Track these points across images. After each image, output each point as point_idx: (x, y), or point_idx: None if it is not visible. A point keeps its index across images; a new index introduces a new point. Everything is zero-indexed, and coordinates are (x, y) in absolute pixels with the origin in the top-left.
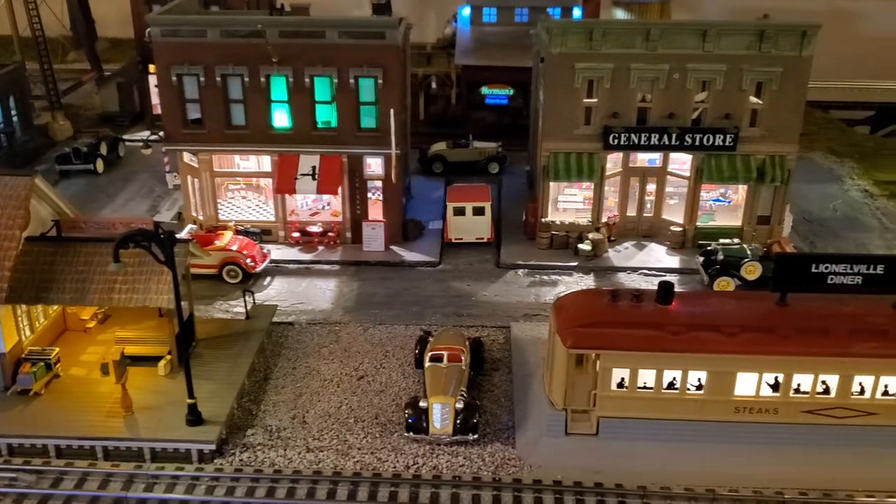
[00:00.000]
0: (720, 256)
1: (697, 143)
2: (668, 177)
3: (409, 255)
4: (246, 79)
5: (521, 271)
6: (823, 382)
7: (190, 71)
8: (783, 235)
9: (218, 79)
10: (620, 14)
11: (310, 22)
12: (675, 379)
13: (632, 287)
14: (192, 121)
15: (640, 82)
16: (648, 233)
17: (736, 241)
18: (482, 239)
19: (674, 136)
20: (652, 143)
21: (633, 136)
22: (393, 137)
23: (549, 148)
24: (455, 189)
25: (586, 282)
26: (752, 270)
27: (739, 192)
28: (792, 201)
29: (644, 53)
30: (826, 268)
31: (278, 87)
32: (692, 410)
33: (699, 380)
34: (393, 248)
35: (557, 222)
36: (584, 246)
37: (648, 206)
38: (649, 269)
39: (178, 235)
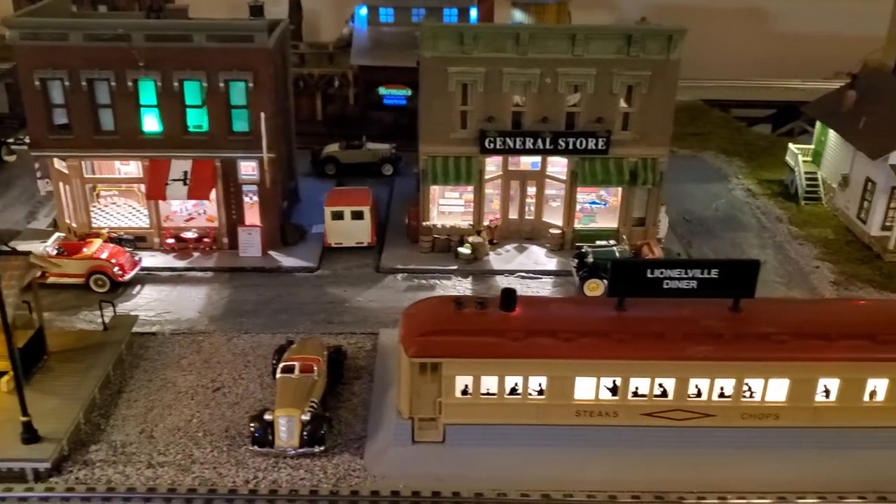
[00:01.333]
0: (590, 259)
1: (571, 146)
2: (547, 180)
3: (287, 261)
4: (113, 83)
5: (399, 276)
6: (661, 385)
7: (54, 75)
8: (659, 236)
9: (84, 83)
10: (518, 14)
11: (176, 25)
12: (516, 384)
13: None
14: (60, 126)
15: (512, 86)
16: (530, 235)
17: (612, 242)
18: (362, 243)
19: (547, 140)
20: (527, 147)
21: (508, 139)
22: (264, 141)
23: (426, 152)
24: (334, 193)
25: (465, 285)
26: None
27: (617, 195)
28: (677, 201)
29: (515, 58)
30: (661, 273)
31: (147, 92)
32: (534, 415)
33: (540, 385)
34: (271, 253)
35: (439, 225)
36: (464, 249)
37: (530, 209)
38: (527, 271)
39: (24, 247)
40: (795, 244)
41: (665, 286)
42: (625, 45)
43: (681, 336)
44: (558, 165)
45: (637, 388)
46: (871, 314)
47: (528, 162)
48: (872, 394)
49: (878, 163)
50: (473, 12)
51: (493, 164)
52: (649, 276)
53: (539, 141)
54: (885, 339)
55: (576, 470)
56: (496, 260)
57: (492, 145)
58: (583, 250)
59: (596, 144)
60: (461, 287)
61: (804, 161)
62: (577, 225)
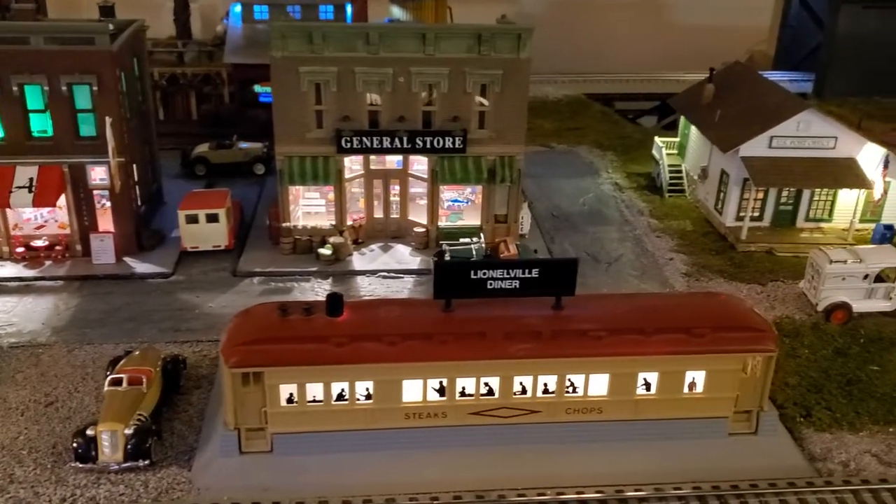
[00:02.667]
0: (447, 257)
1: (429, 145)
2: (411, 178)
3: (142, 267)
4: None
5: (256, 279)
6: (486, 384)
7: None
8: (522, 232)
9: None
10: (396, 11)
11: (11, 27)
12: (343, 390)
13: (371, 295)
14: None
15: (366, 86)
16: (397, 234)
17: (475, 240)
18: (219, 246)
19: (404, 139)
20: (384, 146)
21: (364, 139)
22: (110, 146)
23: (283, 152)
24: (190, 195)
25: (324, 287)
26: None
27: (480, 192)
28: (547, 196)
29: (367, 57)
30: (484, 274)
31: None
32: (364, 420)
33: (367, 389)
34: (126, 259)
35: (299, 226)
36: (325, 250)
37: (395, 207)
38: (389, 271)
39: None
40: (654, 236)
41: (489, 287)
42: (475, 44)
43: (502, 335)
44: (421, 163)
45: (464, 388)
46: (686, 308)
47: (393, 160)
48: (692, 385)
49: (731, 155)
50: (350, 9)
51: (357, 163)
52: (473, 277)
53: (396, 140)
54: (699, 332)
55: (407, 472)
56: (359, 260)
57: (348, 145)
58: (441, 249)
59: (453, 143)
60: (321, 289)
61: (669, 154)
62: (443, 223)
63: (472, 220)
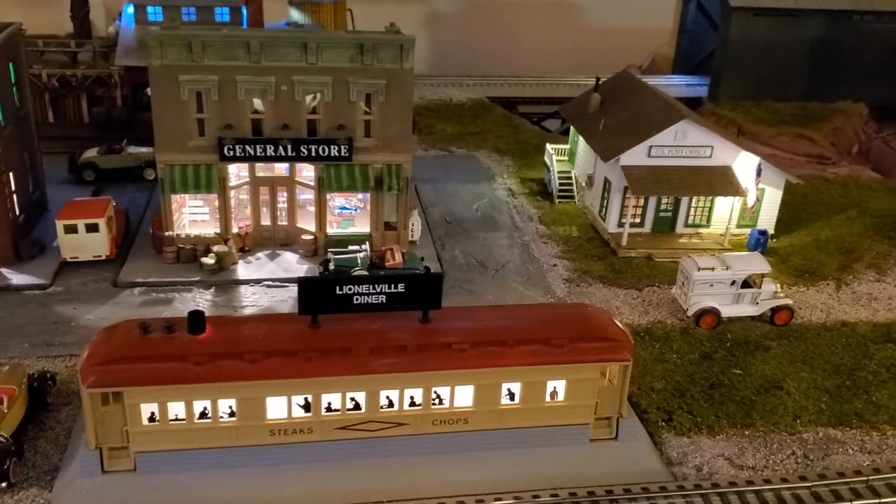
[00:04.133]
0: (332, 267)
1: (314, 153)
2: (298, 185)
3: (18, 278)
4: None
5: (137, 290)
6: (353, 399)
7: None
8: (413, 239)
9: None
10: (295, 14)
11: None
12: (206, 408)
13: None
14: None
15: (248, 94)
16: (285, 241)
17: (364, 247)
18: (100, 256)
19: (288, 147)
20: (268, 154)
21: (247, 147)
22: None
23: (164, 160)
24: (70, 205)
25: (207, 297)
26: None
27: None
28: (443, 201)
29: (248, 66)
30: (350, 289)
31: None
32: (228, 438)
33: (230, 407)
34: (2, 270)
35: (182, 235)
36: (208, 259)
37: (283, 214)
38: (274, 279)
39: None
40: (541, 243)
41: (355, 302)
42: (358, 53)
43: (368, 350)
44: (309, 171)
45: (330, 404)
46: (549, 319)
47: (282, 167)
48: (553, 394)
49: (612, 164)
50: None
51: (244, 170)
52: (339, 292)
53: (280, 148)
54: (558, 343)
55: (272, 489)
56: (244, 268)
57: (231, 153)
58: (327, 257)
59: (339, 151)
60: (202, 299)
61: (559, 160)
62: (334, 230)
63: (364, 227)
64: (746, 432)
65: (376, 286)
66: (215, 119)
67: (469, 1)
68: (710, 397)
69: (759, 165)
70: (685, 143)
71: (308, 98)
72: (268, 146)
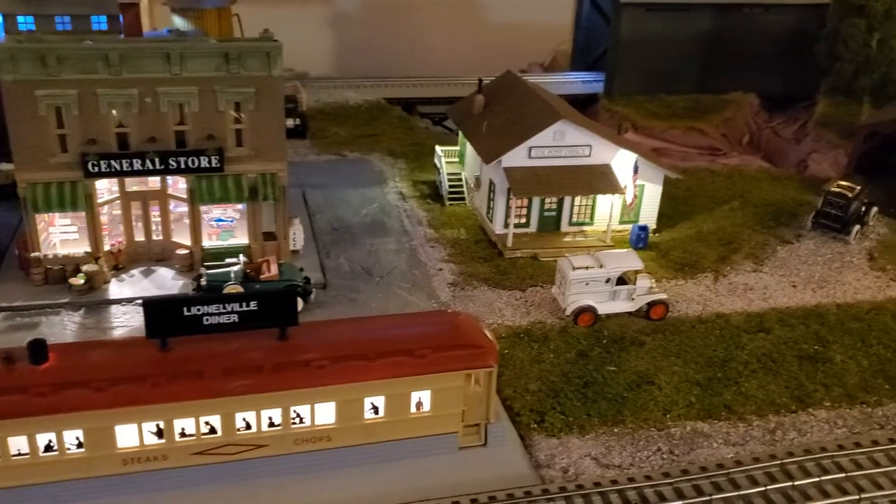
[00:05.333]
0: (204, 282)
1: (184, 165)
2: (171, 199)
3: None
4: None
5: (1, 315)
6: (208, 423)
7: None
8: (295, 248)
9: None
10: (178, 21)
11: None
12: (51, 441)
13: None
14: None
15: (111, 107)
16: (161, 256)
17: (244, 259)
18: None
19: (156, 160)
20: (135, 168)
21: (113, 162)
22: None
23: (25, 179)
24: None
25: (76, 319)
26: None
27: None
28: (332, 207)
29: (109, 78)
30: (199, 310)
31: None
32: (77, 469)
33: (77, 438)
34: None
35: (50, 255)
36: (77, 280)
37: (157, 229)
38: (146, 298)
39: None
40: (428, 247)
41: (206, 322)
42: (224, 62)
43: (220, 372)
44: (182, 183)
45: (184, 429)
46: (412, 329)
47: (155, 181)
48: (419, 405)
49: (495, 165)
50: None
51: (115, 185)
52: (187, 314)
53: (147, 161)
54: (421, 353)
55: None
56: (117, 287)
57: (96, 168)
58: (199, 272)
59: (209, 162)
60: (70, 322)
61: (449, 162)
62: (212, 242)
63: (244, 238)
64: (616, 430)
65: (227, 306)
66: (77, 134)
67: (371, 1)
68: (583, 396)
69: (636, 162)
70: (564, 143)
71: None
72: (134, 160)
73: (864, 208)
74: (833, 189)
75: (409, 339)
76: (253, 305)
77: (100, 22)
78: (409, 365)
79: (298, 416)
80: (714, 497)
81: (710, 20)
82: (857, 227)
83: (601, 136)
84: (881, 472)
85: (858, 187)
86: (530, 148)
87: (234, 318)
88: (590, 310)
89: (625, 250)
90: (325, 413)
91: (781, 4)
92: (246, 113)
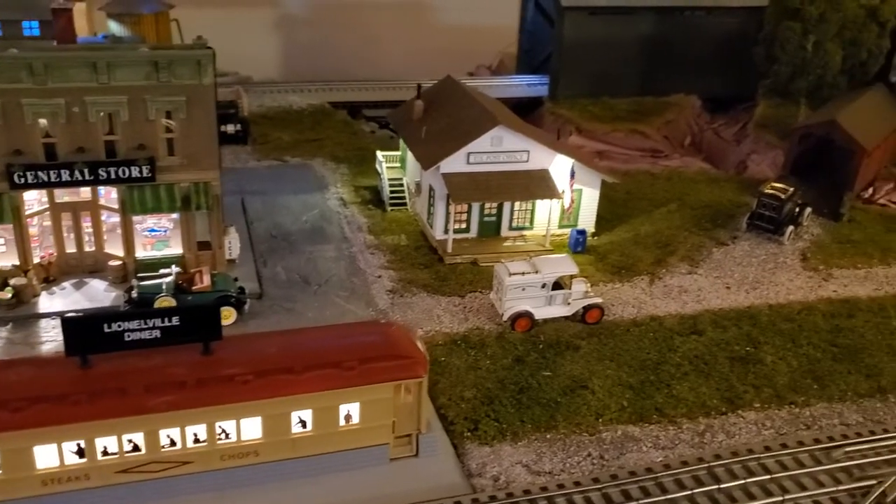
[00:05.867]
0: (135, 294)
1: (114, 176)
2: (103, 210)
3: None
4: None
5: None
6: (130, 441)
7: None
8: (231, 258)
9: None
10: (113, 26)
11: None
12: None
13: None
14: None
15: (36, 118)
16: (94, 268)
17: (177, 270)
18: None
19: (85, 170)
20: (63, 179)
21: (40, 173)
22: None
23: None
24: None
25: (2, 334)
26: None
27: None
28: (271, 214)
29: (34, 88)
30: (119, 326)
31: None
32: None
33: None
34: None
35: None
36: (4, 294)
37: (89, 240)
38: (77, 311)
39: None
40: (368, 253)
41: (127, 339)
42: (154, 70)
43: (142, 389)
44: (113, 193)
45: (106, 448)
46: (341, 341)
47: (87, 191)
48: (348, 417)
49: (434, 171)
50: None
51: (45, 196)
52: (107, 330)
53: (76, 172)
54: (349, 366)
55: None
56: (47, 300)
57: (22, 180)
58: (131, 284)
59: (140, 172)
60: None
61: (390, 167)
62: (148, 252)
63: (179, 248)
64: (548, 436)
65: (148, 321)
66: (2, 145)
67: (319, 3)
68: (517, 402)
69: (573, 167)
70: (502, 148)
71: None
72: (63, 171)
73: (797, 209)
74: (766, 191)
75: (336, 352)
76: (175, 320)
77: (31, 27)
78: (336, 378)
79: (224, 431)
80: (641, 502)
81: (652, 23)
82: (791, 227)
83: (539, 141)
84: (806, 472)
85: (792, 189)
86: (468, 154)
87: (157, 333)
88: (526, 315)
89: (560, 255)
90: (251, 428)
91: (723, 7)
92: (177, 121)
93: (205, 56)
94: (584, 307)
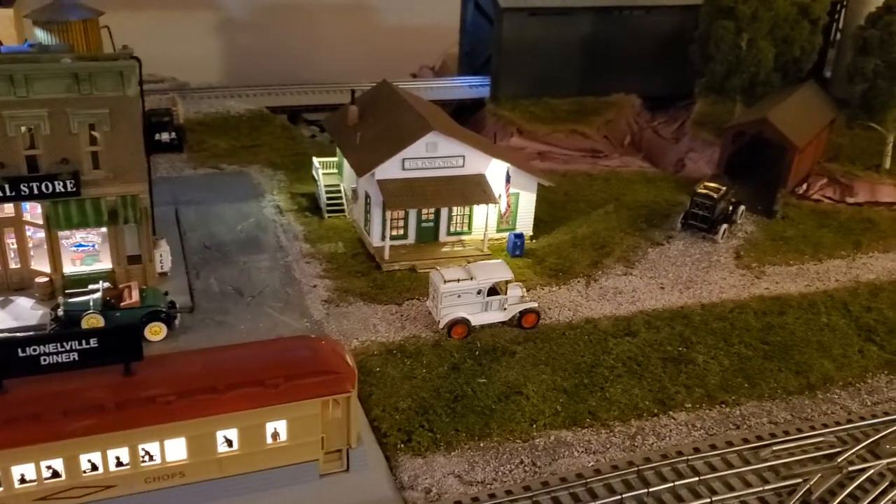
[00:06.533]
0: (61, 312)
1: (36, 191)
2: (27, 226)
3: None
4: None
5: None
6: (49, 467)
7: None
8: (163, 271)
9: None
10: (40, 34)
11: None
12: None
13: None
14: None
15: None
16: (20, 285)
17: (106, 285)
18: None
19: (6, 186)
20: None
21: None
22: None
23: None
24: None
25: None
26: (93, 324)
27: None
28: (205, 225)
29: None
30: (35, 350)
31: None
32: None
33: None
34: None
35: None
36: None
37: (14, 256)
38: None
39: None
40: (303, 262)
41: (43, 363)
42: (75, 82)
43: (60, 413)
44: (37, 209)
45: (23, 475)
46: (266, 358)
47: (10, 207)
48: (275, 435)
49: (369, 178)
50: None
51: None
52: (22, 354)
53: None
54: (274, 383)
55: None
56: None
57: None
58: (58, 301)
59: (64, 186)
60: None
61: (327, 174)
62: (76, 267)
63: (109, 262)
64: (482, 444)
65: (65, 344)
66: None
67: (260, 6)
68: (452, 411)
69: (508, 172)
70: (437, 154)
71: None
72: None
73: (731, 207)
74: (700, 190)
75: (262, 369)
76: (94, 342)
77: None
78: (261, 396)
79: (147, 453)
80: None
81: (591, 23)
82: (725, 226)
83: (474, 146)
84: (734, 472)
85: (724, 188)
86: (403, 160)
87: (74, 356)
88: (463, 322)
89: (496, 261)
90: (175, 449)
91: (661, 6)
92: (101, 134)
93: (128, 67)
94: (520, 312)
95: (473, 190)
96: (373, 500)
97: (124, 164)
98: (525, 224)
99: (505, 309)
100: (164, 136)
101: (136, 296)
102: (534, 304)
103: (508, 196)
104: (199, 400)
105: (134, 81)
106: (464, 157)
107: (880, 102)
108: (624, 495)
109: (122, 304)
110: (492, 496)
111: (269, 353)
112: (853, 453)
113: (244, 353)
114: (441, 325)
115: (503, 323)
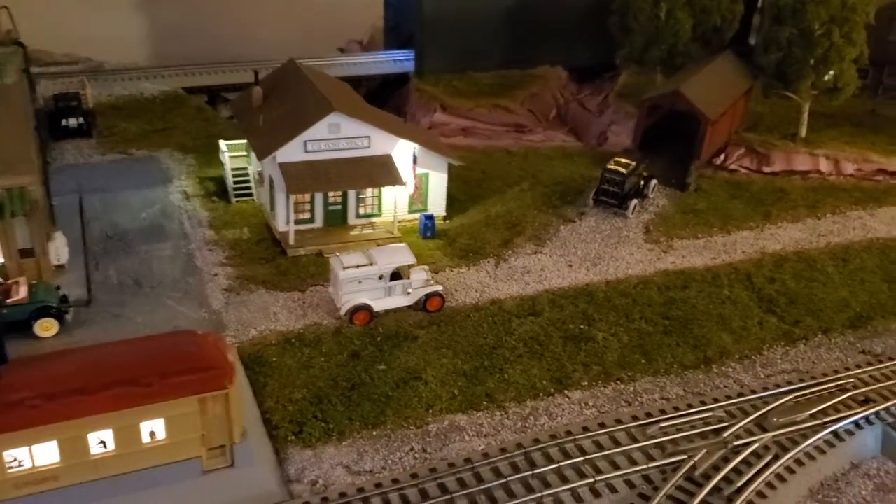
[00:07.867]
0: None
1: None
2: None
3: None
4: None
5: None
6: None
7: None
8: (59, 263)
9: None
10: None
11: None
12: None
13: None
14: None
15: None
16: None
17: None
18: None
19: None
20: None
21: None
22: None
23: None
24: None
25: None
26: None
27: None
28: (108, 213)
29: None
30: None
31: None
32: None
33: None
34: None
35: None
36: None
37: None
38: None
39: None
40: (206, 250)
41: None
42: None
43: None
44: None
45: None
46: (141, 356)
47: None
48: (153, 434)
49: (271, 161)
50: None
51: None
52: None
53: None
54: (147, 382)
55: None
56: None
57: None
58: None
59: None
60: None
61: (236, 157)
62: None
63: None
64: (375, 433)
65: None
66: None
67: None
68: (348, 400)
69: (415, 152)
70: (340, 135)
71: None
72: None
73: (642, 182)
74: (609, 166)
75: (136, 367)
76: None
77: None
78: (134, 395)
79: (16, 459)
80: (456, 494)
81: None
82: (635, 201)
83: (380, 126)
84: (620, 451)
85: (634, 163)
86: (305, 142)
87: None
88: (365, 308)
89: (398, 244)
90: (46, 453)
91: None
92: None
93: (4, 55)
94: (425, 295)
95: (379, 171)
96: (257, 494)
97: (10, 155)
98: (437, 204)
99: (409, 293)
100: (72, 122)
101: (23, 292)
102: (438, 288)
103: (416, 177)
104: (67, 402)
105: (12, 70)
106: (369, 137)
107: (795, 71)
108: (510, 478)
109: (8, 300)
110: (378, 486)
111: (147, 349)
112: (740, 427)
113: (121, 350)
114: (343, 312)
115: (408, 307)
